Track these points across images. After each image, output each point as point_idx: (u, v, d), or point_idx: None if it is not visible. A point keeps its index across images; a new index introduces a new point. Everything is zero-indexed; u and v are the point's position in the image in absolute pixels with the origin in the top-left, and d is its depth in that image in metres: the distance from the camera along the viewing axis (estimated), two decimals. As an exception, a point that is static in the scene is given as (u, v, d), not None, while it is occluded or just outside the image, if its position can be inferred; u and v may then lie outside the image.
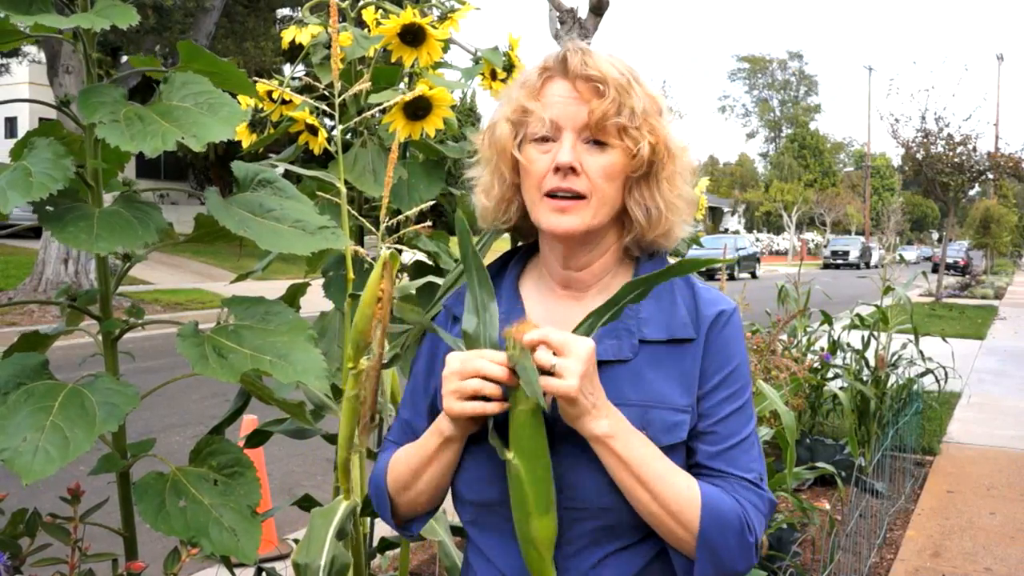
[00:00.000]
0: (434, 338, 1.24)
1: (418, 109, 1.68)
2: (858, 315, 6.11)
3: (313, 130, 1.73)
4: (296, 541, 2.10)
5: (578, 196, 1.09)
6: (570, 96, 1.10)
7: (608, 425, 1.02)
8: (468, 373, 1.02)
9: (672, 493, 1.04)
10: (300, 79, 1.87)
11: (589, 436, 1.03)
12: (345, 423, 1.39)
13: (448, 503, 1.25)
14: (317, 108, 1.70)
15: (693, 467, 1.12)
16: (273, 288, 1.73)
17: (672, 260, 1.18)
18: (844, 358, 5.75)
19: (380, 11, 1.84)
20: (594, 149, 1.09)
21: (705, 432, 1.11)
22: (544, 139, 1.11)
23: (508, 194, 1.18)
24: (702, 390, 1.11)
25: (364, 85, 1.62)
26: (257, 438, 1.88)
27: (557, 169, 1.09)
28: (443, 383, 1.04)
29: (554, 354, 0.99)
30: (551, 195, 1.10)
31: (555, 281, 1.19)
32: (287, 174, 1.63)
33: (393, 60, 1.75)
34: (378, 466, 1.24)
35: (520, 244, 1.28)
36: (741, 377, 1.14)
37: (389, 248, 1.44)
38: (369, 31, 1.82)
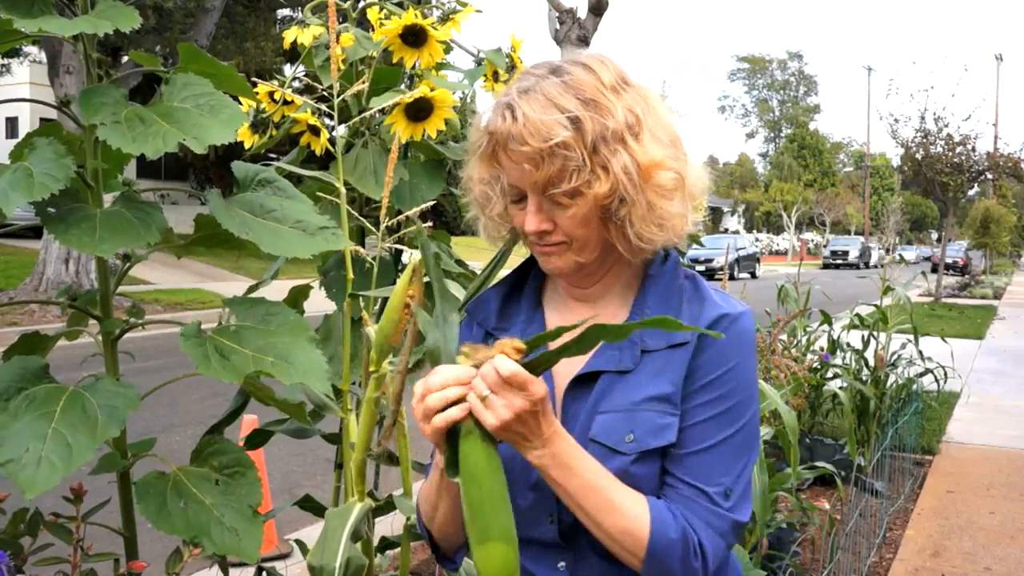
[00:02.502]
0: None
1: (420, 110, 1.68)
2: (858, 315, 6.11)
3: (316, 131, 1.73)
4: (297, 541, 2.10)
5: (560, 242, 1.09)
6: (517, 161, 1.05)
7: (541, 456, 1.00)
8: (426, 391, 0.98)
9: (613, 524, 1.03)
10: (301, 80, 1.87)
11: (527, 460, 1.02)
12: (364, 426, 1.39)
13: None
14: (319, 109, 1.71)
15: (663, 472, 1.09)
16: (274, 289, 1.73)
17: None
18: (844, 358, 5.75)
19: (383, 11, 1.84)
20: (561, 201, 1.06)
21: (680, 436, 1.07)
22: (517, 199, 1.10)
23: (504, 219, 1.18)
24: (687, 389, 1.08)
25: (365, 85, 1.63)
26: (258, 438, 1.89)
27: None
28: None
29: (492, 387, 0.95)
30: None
31: (566, 292, 1.20)
32: (288, 174, 1.64)
33: (394, 61, 1.75)
34: (419, 494, 1.22)
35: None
36: (731, 382, 1.09)
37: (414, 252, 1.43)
38: (372, 31, 1.82)
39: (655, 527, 1.03)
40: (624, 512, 1.03)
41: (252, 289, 1.66)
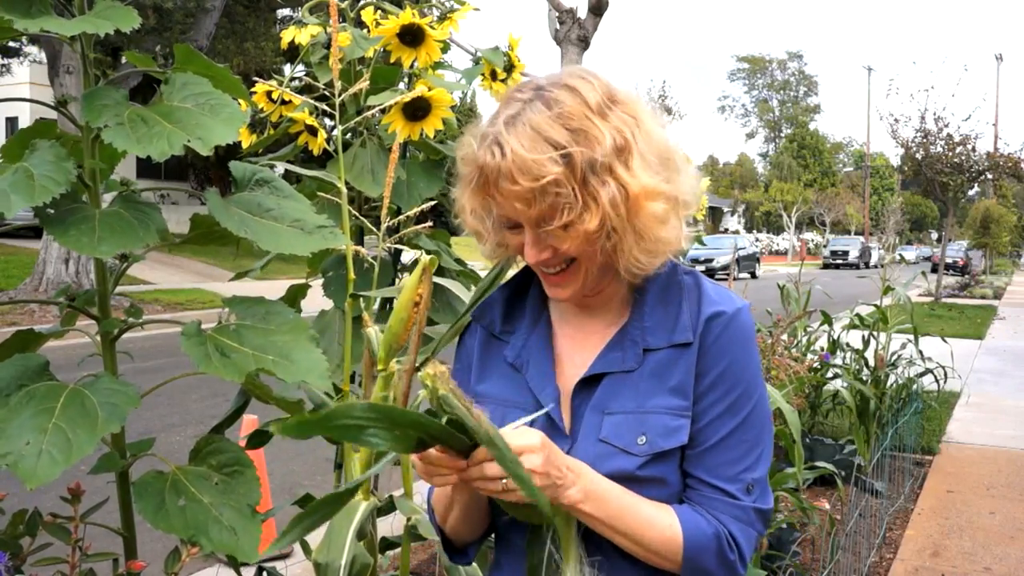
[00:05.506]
0: (467, 350, 1.25)
1: (417, 110, 1.68)
2: (858, 315, 6.11)
3: (312, 131, 1.73)
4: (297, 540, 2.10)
5: (562, 270, 1.10)
6: (508, 199, 1.04)
7: (575, 492, 1.03)
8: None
9: (651, 538, 1.07)
10: (300, 79, 1.87)
11: (562, 506, 1.04)
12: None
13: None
14: (317, 108, 1.71)
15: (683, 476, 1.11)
16: (273, 288, 1.73)
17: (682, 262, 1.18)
18: (844, 358, 5.75)
19: (379, 12, 1.84)
20: (556, 234, 1.05)
21: (692, 437, 1.09)
22: (513, 227, 1.09)
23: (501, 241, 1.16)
24: (696, 391, 1.09)
25: (363, 85, 1.62)
26: (258, 438, 1.88)
27: None
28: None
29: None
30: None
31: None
32: (287, 174, 1.63)
33: (392, 60, 1.75)
34: (429, 490, 1.22)
35: None
36: (735, 377, 1.10)
37: (430, 253, 1.43)
38: (369, 32, 1.82)
39: (688, 533, 1.07)
40: (657, 525, 1.07)
41: (239, 276, 1.66)
